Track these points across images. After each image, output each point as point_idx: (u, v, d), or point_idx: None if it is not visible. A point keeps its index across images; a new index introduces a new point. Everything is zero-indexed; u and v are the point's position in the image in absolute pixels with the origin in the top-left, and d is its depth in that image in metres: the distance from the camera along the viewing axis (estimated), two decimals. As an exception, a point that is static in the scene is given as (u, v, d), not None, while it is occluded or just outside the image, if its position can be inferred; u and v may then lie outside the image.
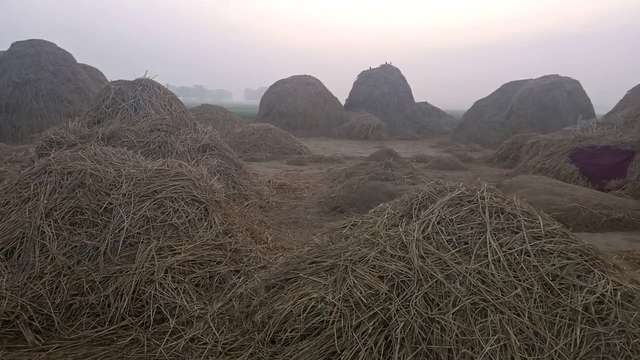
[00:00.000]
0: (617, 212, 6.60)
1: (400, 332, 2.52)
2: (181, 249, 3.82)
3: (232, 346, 2.97)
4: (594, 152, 9.77)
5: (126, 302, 3.35)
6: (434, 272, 2.73)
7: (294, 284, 3.24)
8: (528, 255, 2.76)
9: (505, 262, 2.73)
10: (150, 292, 3.41)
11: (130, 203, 3.95)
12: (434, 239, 2.97)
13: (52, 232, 3.70)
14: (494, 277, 2.67)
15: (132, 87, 7.79)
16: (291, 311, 2.88)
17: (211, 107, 20.54)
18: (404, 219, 3.33)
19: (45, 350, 2.98)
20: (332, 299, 2.82)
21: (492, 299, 2.56)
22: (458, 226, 3.00)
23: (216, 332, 3.12)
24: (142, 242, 3.77)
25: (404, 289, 2.73)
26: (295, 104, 24.18)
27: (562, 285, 2.63)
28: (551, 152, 10.70)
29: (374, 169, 9.15)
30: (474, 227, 2.96)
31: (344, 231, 3.66)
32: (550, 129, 16.30)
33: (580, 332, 2.43)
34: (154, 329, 3.23)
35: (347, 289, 2.85)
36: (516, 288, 2.61)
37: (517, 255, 2.77)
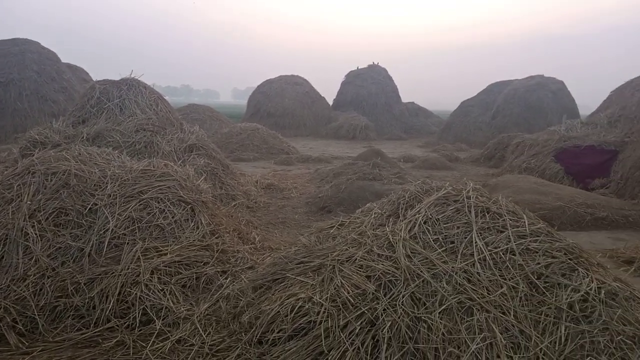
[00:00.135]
0: (601, 211, 6.69)
1: (388, 331, 2.52)
2: (167, 250, 3.79)
3: (219, 347, 2.96)
4: (578, 152, 9.90)
5: (111, 303, 3.31)
6: (421, 271, 2.74)
7: (282, 284, 3.23)
8: (513, 254, 2.78)
9: (491, 261, 2.75)
10: (136, 293, 3.38)
11: (116, 204, 3.91)
12: (420, 238, 2.98)
13: (35, 234, 3.65)
14: (479, 276, 2.69)
15: (117, 86, 7.72)
16: (278, 312, 2.88)
17: (198, 107, 20.44)
18: (391, 219, 3.34)
19: (29, 353, 2.94)
20: (320, 299, 2.82)
21: (478, 297, 2.58)
22: (444, 225, 3.02)
23: (203, 334, 3.10)
24: (128, 243, 3.73)
25: (391, 289, 2.74)
26: (283, 103, 24.15)
27: (547, 284, 2.65)
28: (536, 152, 10.82)
29: (361, 168, 9.16)
30: (460, 227, 2.98)
31: (332, 231, 3.66)
32: (536, 128, 16.48)
33: (565, 330, 2.45)
34: (140, 330, 3.20)
35: (335, 288, 2.85)
36: (502, 287, 2.63)
37: (503, 254, 2.79)
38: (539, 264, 2.72)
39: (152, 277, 3.53)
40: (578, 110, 20.78)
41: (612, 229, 6.44)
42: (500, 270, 2.72)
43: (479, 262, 2.75)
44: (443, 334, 2.46)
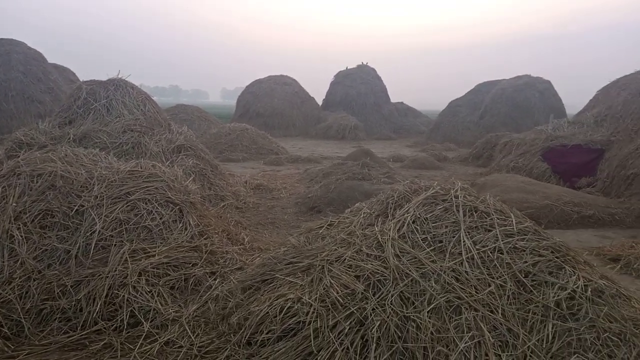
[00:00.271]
0: (588, 210, 6.76)
1: (377, 331, 2.53)
2: (155, 251, 3.76)
3: (207, 349, 2.94)
4: (565, 151, 9.99)
5: (99, 306, 3.28)
6: (410, 270, 2.75)
7: (271, 285, 3.23)
8: (501, 253, 2.80)
9: (479, 260, 2.77)
10: (123, 295, 3.35)
11: (103, 205, 3.88)
12: (409, 237, 2.99)
13: (21, 236, 3.61)
14: (468, 274, 2.70)
15: (104, 87, 7.65)
16: (267, 312, 2.87)
17: (187, 107, 20.32)
18: (380, 218, 3.35)
19: (14, 357, 2.91)
20: (309, 299, 2.81)
21: (466, 296, 2.59)
22: (433, 225, 3.03)
23: (191, 335, 3.08)
24: (115, 244, 3.70)
25: (380, 288, 2.74)
26: (272, 104, 24.11)
27: (535, 282, 2.67)
28: (524, 151, 10.90)
29: (351, 168, 9.18)
30: (448, 226, 3.00)
31: (321, 231, 3.66)
32: (523, 128, 16.62)
33: (552, 328, 2.47)
34: (128, 333, 3.18)
35: (324, 289, 2.85)
36: (490, 285, 2.65)
37: (491, 252, 2.81)
38: (526, 262, 2.74)
39: (139, 278, 3.50)
40: (565, 109, 20.98)
41: (598, 227, 6.51)
42: (488, 269, 2.73)
43: (467, 261, 2.76)
44: (432, 333, 2.47)
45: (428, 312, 2.55)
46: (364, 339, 2.57)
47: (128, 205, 3.96)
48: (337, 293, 2.76)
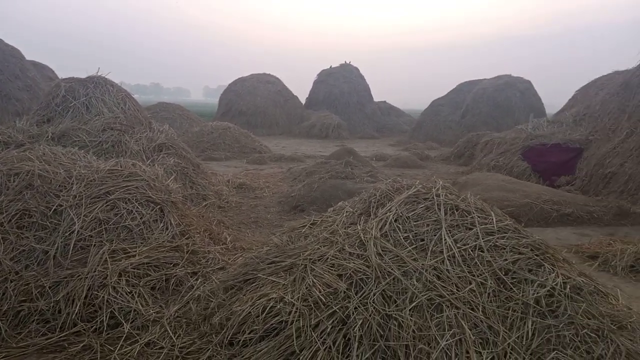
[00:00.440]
0: (567, 208, 6.86)
1: (359, 329, 2.53)
2: (136, 251, 3.72)
3: (189, 349, 2.91)
4: (545, 150, 10.13)
5: (78, 307, 3.23)
6: (392, 269, 2.76)
7: (253, 284, 3.21)
8: (482, 251, 2.83)
9: (460, 258, 2.79)
10: (103, 296, 3.31)
11: (82, 205, 3.82)
12: (391, 236, 3.00)
13: (-3, 237, 3.53)
14: (449, 272, 2.72)
15: (83, 84, 7.53)
16: (250, 312, 2.85)
17: (168, 106, 20.13)
18: (362, 217, 3.35)
19: (-10, 360, 2.85)
20: (291, 298, 2.81)
21: (447, 294, 2.61)
22: (414, 223, 3.05)
23: (173, 336, 3.05)
24: (95, 245, 3.65)
25: (362, 287, 2.75)
26: (255, 102, 24.01)
27: (515, 280, 2.70)
28: (504, 150, 11.03)
29: (334, 167, 9.18)
30: (429, 224, 3.01)
31: (304, 230, 3.65)
32: (504, 127, 16.82)
33: (532, 325, 2.50)
34: (108, 334, 3.13)
35: (306, 288, 2.85)
36: (470, 283, 2.67)
37: (471, 251, 2.83)
38: (506, 260, 2.77)
39: (120, 279, 3.46)
40: (544, 109, 21.29)
41: (577, 225, 6.61)
42: (469, 267, 2.75)
43: (448, 259, 2.78)
44: (413, 331, 2.48)
45: (410, 310, 2.56)
46: (346, 338, 2.57)
47: (108, 205, 3.91)
48: (320, 292, 2.76)
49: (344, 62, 28.21)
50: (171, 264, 3.82)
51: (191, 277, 3.81)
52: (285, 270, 3.17)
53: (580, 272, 2.96)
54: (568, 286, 2.66)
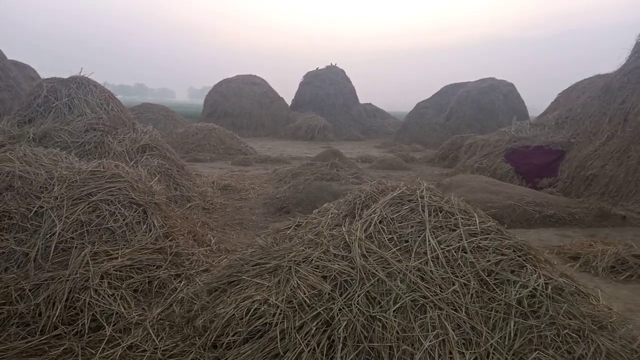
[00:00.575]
0: (549, 209, 6.95)
1: (343, 331, 2.53)
2: (118, 253, 3.67)
3: (172, 352, 2.89)
4: (527, 152, 10.26)
5: (59, 310, 3.18)
6: (376, 270, 2.77)
7: (237, 286, 3.19)
8: (465, 252, 2.85)
9: (444, 259, 2.80)
10: (84, 299, 3.26)
11: (63, 206, 3.76)
12: (375, 237, 3.01)
13: (-25, 239, 3.47)
14: (432, 274, 2.73)
15: (66, 85, 7.43)
16: (233, 314, 2.84)
17: (152, 107, 19.95)
18: (347, 219, 3.35)
19: (-32, 364, 2.80)
20: (276, 300, 2.80)
21: (431, 295, 2.62)
22: (399, 225, 3.06)
23: (155, 339, 3.02)
24: (76, 247, 3.60)
25: (346, 288, 2.75)
26: (241, 103, 23.92)
27: (497, 281, 2.73)
28: (488, 152, 11.15)
29: (319, 169, 9.19)
30: (414, 226, 3.02)
31: (289, 232, 3.64)
32: (487, 129, 16.99)
33: (514, 326, 2.53)
34: (89, 337, 3.09)
35: (291, 289, 2.84)
36: (454, 284, 2.69)
37: (455, 252, 2.85)
38: (489, 261, 2.79)
39: (101, 282, 3.41)
40: (527, 112, 21.54)
41: (559, 226, 6.70)
42: (453, 268, 2.77)
43: (432, 261, 2.80)
44: (397, 332, 2.49)
45: (394, 311, 2.57)
46: (331, 340, 2.57)
47: (90, 207, 3.86)
48: (304, 294, 2.75)
49: (330, 64, 28.26)
50: (154, 266, 3.78)
51: (174, 279, 3.77)
52: (269, 272, 3.16)
53: (562, 273, 2.99)
54: (550, 287, 2.69)
